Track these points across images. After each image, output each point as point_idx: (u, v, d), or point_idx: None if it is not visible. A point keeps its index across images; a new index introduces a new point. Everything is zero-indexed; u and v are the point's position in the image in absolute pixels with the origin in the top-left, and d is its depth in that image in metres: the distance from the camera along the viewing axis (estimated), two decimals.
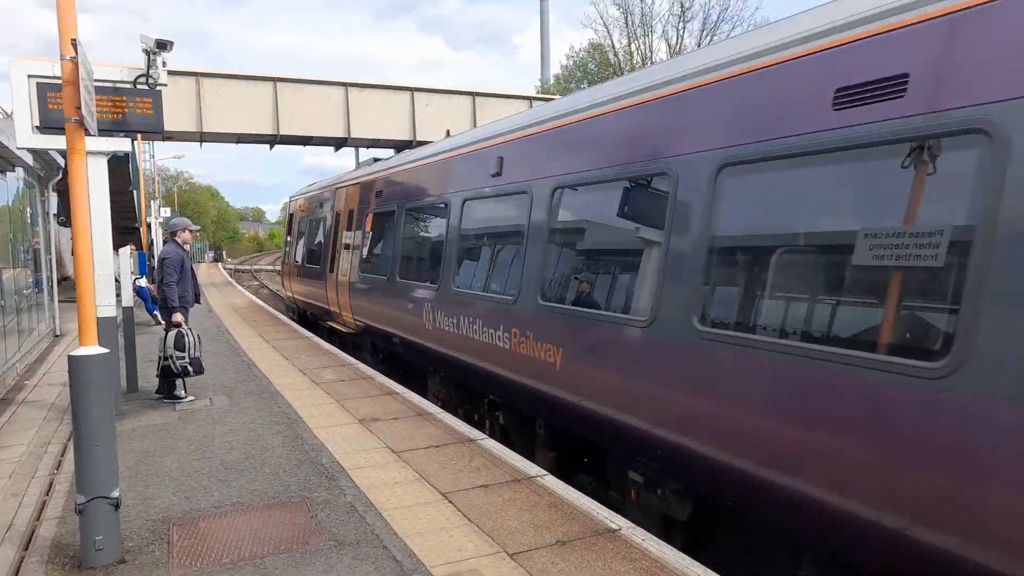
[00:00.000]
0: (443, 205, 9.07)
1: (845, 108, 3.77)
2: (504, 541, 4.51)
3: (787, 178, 4.26)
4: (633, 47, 39.12)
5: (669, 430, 4.90)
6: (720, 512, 4.88)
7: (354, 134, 25.72)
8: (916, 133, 3.41)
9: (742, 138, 4.45)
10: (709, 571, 4.12)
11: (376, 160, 14.33)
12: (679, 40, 37.61)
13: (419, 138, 25.40)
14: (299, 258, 17.90)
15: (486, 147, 8.12)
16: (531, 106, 25.27)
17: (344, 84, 25.71)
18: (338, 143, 27.08)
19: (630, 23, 38.80)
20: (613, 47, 40.68)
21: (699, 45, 35.90)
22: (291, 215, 20.35)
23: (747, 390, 4.25)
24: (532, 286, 6.63)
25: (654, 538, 4.57)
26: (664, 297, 4.92)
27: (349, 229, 13.44)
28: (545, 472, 5.84)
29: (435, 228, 9.56)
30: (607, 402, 5.59)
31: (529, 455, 6.77)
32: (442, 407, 8.53)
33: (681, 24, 37.85)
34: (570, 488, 5.47)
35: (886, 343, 3.51)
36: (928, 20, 3.45)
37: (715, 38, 35.92)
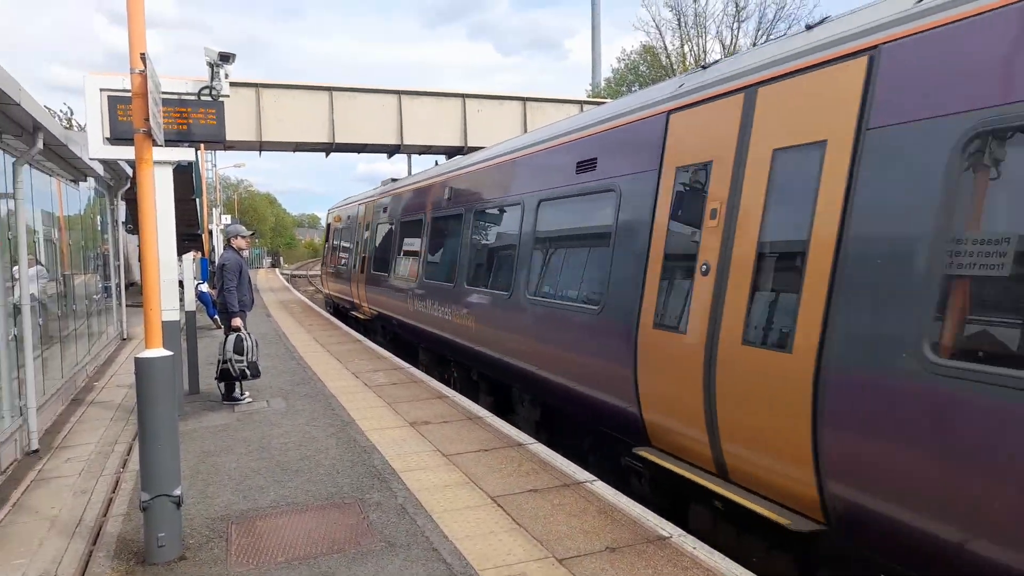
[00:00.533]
0: (419, 220, 12.64)
1: (580, 173, 7.08)
2: (553, 546, 4.51)
3: (561, 209, 7.55)
4: (686, 48, 38.64)
5: (516, 359, 8.17)
6: (556, 411, 7.96)
7: (407, 141, 26.08)
8: (599, 188, 6.69)
9: (547, 185, 7.75)
10: None
11: (394, 180, 16.71)
12: (733, 40, 37.02)
13: (470, 144, 25.60)
14: (332, 262, 22.00)
15: (443, 180, 11.72)
16: (582, 110, 25.20)
17: (397, 92, 26.09)
18: (391, 150, 27.48)
19: (683, 24, 38.34)
20: (665, 49, 40.24)
21: (755, 44, 35.23)
22: (328, 225, 24.55)
23: (540, 327, 7.63)
24: (463, 276, 9.97)
25: (705, 546, 4.50)
26: (517, 278, 8.07)
27: (365, 238, 17.28)
28: (595, 478, 5.81)
29: (416, 238, 12.88)
30: (492, 347, 8.88)
31: (476, 400, 9.32)
32: (425, 371, 11.38)
33: (736, 24, 37.25)
34: (620, 494, 5.43)
35: (583, 299, 6.82)
36: (598, 132, 6.89)
37: (770, 37, 35.19)
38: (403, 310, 13.10)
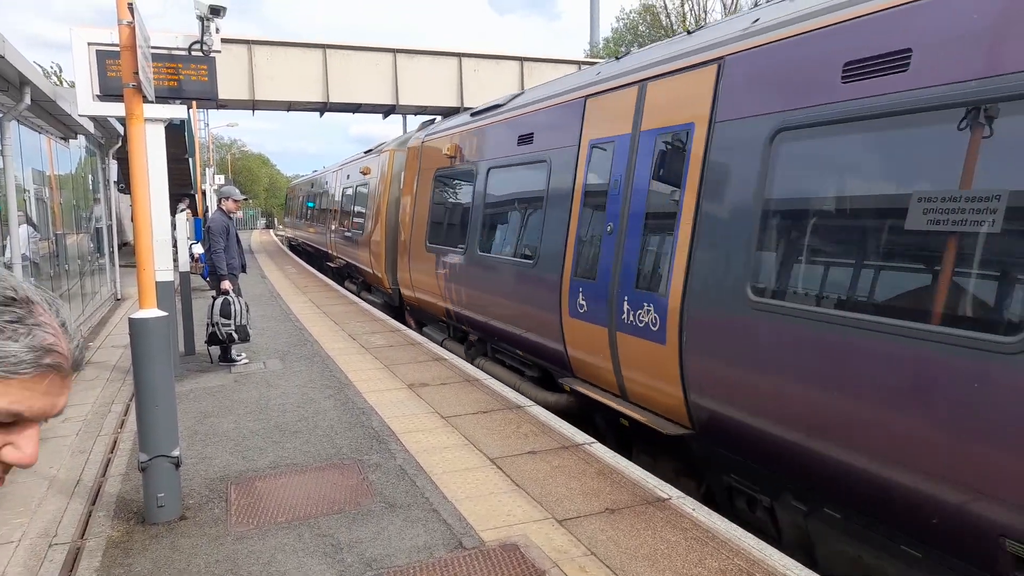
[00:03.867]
0: (308, 197, 27.49)
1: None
2: (552, 507, 4.52)
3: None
4: (686, 8, 37.96)
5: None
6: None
7: (402, 101, 25.65)
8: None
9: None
10: (760, 541, 4.06)
11: (315, 171, 28.83)
12: None
13: (467, 104, 25.19)
14: (288, 216, 39.45)
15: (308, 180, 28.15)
16: (579, 70, 24.78)
17: (392, 51, 25.57)
18: (386, 110, 27.06)
19: None
20: (665, 8, 39.55)
21: (756, 3, 34.60)
22: (286, 195, 41.80)
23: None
24: (313, 219, 24.49)
25: (704, 508, 4.52)
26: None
27: (297, 203, 31.94)
28: (593, 440, 5.82)
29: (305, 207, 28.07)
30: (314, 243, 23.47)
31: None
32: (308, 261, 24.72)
33: None
34: (619, 456, 5.44)
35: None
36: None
37: None
38: (310, 239, 26.51)
